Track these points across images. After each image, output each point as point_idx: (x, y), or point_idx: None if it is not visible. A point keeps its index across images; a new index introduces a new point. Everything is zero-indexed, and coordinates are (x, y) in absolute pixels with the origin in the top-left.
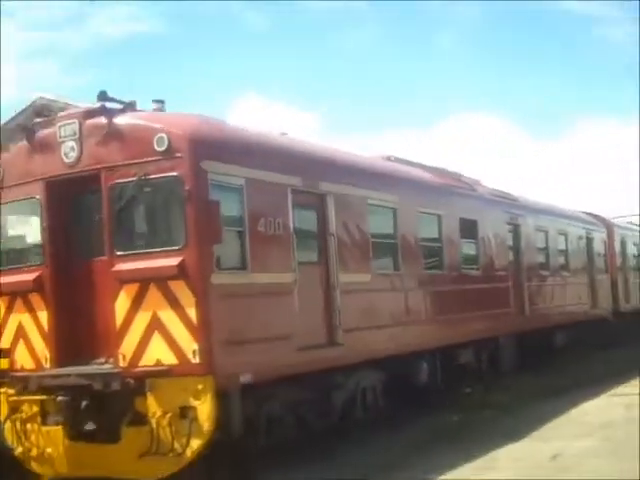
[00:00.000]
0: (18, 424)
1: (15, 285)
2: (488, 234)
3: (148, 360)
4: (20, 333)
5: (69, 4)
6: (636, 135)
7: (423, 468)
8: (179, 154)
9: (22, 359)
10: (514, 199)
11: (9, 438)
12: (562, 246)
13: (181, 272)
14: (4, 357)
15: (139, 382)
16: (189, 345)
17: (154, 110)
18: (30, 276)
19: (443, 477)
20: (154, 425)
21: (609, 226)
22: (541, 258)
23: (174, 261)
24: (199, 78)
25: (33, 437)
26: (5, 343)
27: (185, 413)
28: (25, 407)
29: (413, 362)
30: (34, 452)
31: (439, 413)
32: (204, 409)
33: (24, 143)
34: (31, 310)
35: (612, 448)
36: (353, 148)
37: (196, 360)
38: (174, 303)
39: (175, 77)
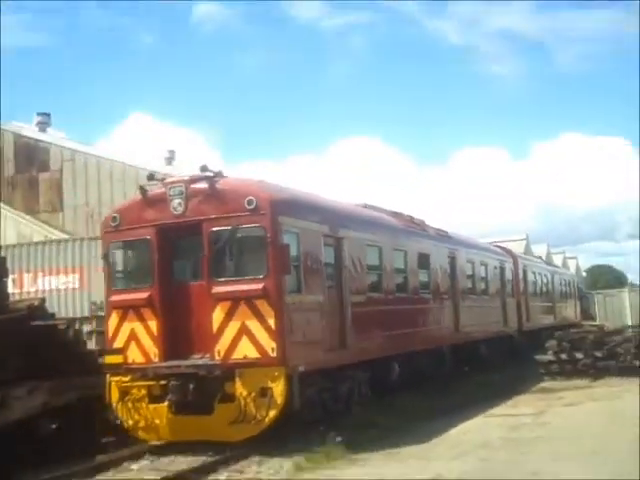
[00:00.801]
0: (129, 403)
1: (129, 301)
2: (436, 265)
3: (238, 355)
4: (132, 336)
5: None
6: (518, 167)
7: None
8: (263, 211)
9: (134, 355)
10: (450, 236)
11: (121, 414)
12: (483, 274)
13: (264, 293)
14: (118, 354)
15: (230, 371)
16: (269, 344)
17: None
18: (143, 295)
19: None
20: (241, 401)
21: (514, 257)
22: (469, 284)
23: (259, 285)
24: (89, 94)
25: (141, 412)
26: (119, 344)
27: (264, 392)
28: (134, 391)
29: (389, 363)
30: (142, 424)
31: (326, 432)
32: (279, 389)
33: (138, 197)
34: (142, 320)
35: (490, 469)
36: (249, 172)
37: (274, 355)
38: (258, 315)
39: (64, 90)
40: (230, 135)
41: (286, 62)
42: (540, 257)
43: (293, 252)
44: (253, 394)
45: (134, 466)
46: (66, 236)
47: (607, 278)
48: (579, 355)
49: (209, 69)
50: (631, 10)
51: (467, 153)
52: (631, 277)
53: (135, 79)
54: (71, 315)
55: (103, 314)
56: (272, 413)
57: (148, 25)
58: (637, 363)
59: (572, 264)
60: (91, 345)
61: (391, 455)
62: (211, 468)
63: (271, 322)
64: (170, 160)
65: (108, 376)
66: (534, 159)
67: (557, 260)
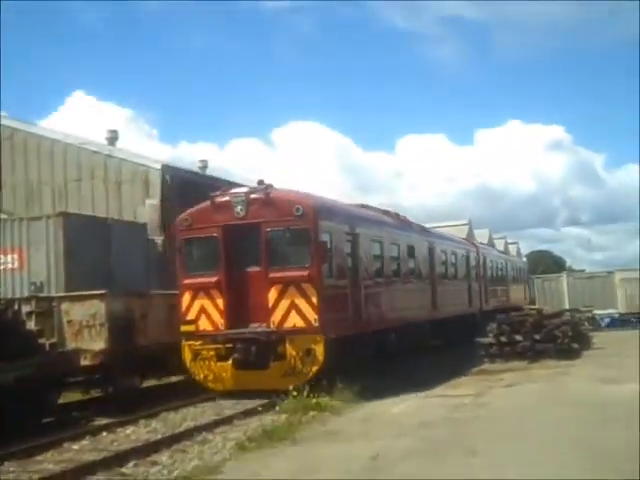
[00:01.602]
0: (200, 362)
1: (200, 284)
2: (419, 255)
3: (288, 325)
4: (202, 311)
5: None
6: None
7: (247, 469)
8: (307, 216)
9: (204, 325)
10: (429, 231)
11: (194, 370)
12: (454, 262)
13: (309, 278)
14: (191, 324)
15: (282, 336)
16: (312, 316)
17: None
18: (212, 279)
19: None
20: (291, 359)
21: (477, 247)
22: (443, 270)
23: (305, 272)
24: (29, 74)
25: (210, 369)
26: (191, 316)
27: (309, 352)
28: (204, 352)
29: (388, 334)
30: (210, 377)
31: (269, 413)
32: (319, 350)
33: (207, 204)
34: (211, 298)
35: (429, 448)
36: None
37: (316, 325)
38: (304, 295)
39: (4, 70)
40: (171, 116)
41: (230, 43)
42: (492, 245)
43: (327, 246)
44: (300, 354)
45: (74, 446)
46: (4, 216)
47: (547, 263)
48: (518, 338)
49: (151, 49)
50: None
51: (411, 139)
52: (569, 262)
53: (77, 58)
54: (10, 296)
55: (43, 295)
56: (314, 368)
57: (91, 4)
58: (574, 346)
59: (513, 249)
60: (30, 326)
61: (333, 435)
62: (154, 448)
63: (314, 300)
64: (113, 140)
65: (183, 341)
66: (477, 145)
67: (499, 245)
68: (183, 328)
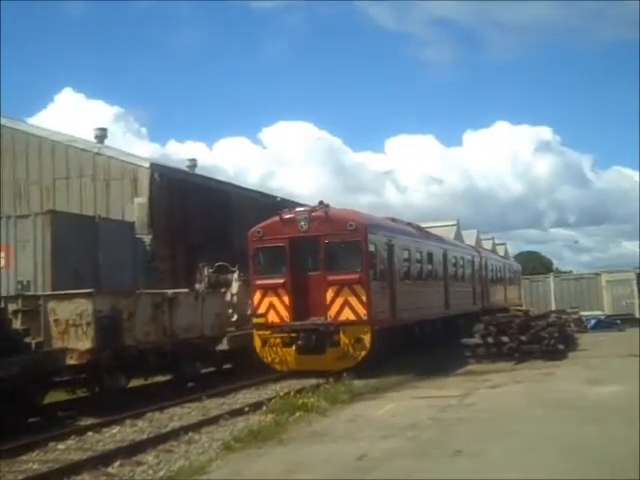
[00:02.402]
0: (267, 348)
1: (269, 284)
2: (436, 260)
3: (342, 318)
4: (271, 306)
5: None
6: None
7: (233, 469)
8: (359, 231)
9: (272, 318)
10: (442, 239)
11: (263, 355)
12: (462, 265)
13: (359, 281)
14: (262, 317)
15: (337, 327)
16: (362, 311)
17: None
18: (280, 280)
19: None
20: (344, 346)
21: (479, 252)
22: (454, 272)
23: (356, 276)
24: (18, 71)
25: (277, 353)
26: (262, 310)
27: (358, 340)
28: (271, 340)
29: (413, 327)
30: (277, 360)
31: (256, 413)
32: (367, 339)
33: (276, 219)
34: (278, 296)
35: (415, 448)
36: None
37: (365, 318)
38: (355, 294)
39: None
40: (160, 114)
41: (219, 42)
42: (495, 251)
43: (373, 255)
44: (351, 341)
45: (60, 446)
46: None
47: (534, 264)
48: (505, 339)
49: (141, 47)
50: (569, 2)
51: (401, 139)
52: (557, 263)
53: (66, 56)
54: None
55: (30, 293)
56: (363, 353)
57: (81, 1)
58: (560, 347)
59: (501, 250)
60: (16, 325)
61: (320, 435)
62: (139, 447)
63: (364, 298)
64: (101, 138)
65: (254, 330)
66: (466, 146)
67: (486, 246)
68: (255, 320)
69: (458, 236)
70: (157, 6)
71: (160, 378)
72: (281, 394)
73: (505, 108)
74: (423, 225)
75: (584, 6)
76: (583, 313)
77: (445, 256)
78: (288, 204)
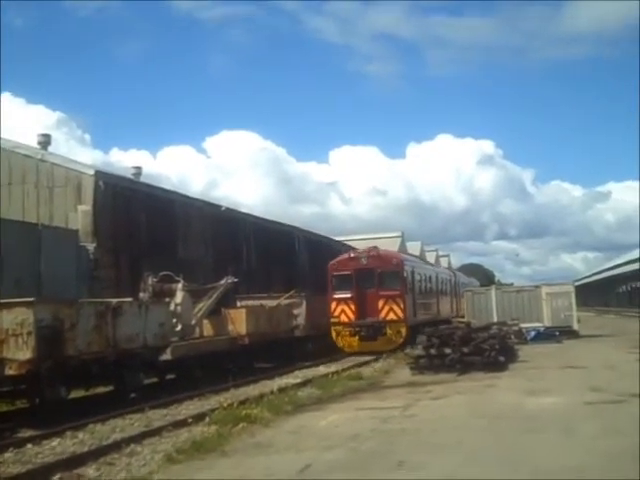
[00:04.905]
0: (340, 337)
1: (342, 298)
2: (432, 280)
3: (388, 318)
4: (342, 311)
5: None
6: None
7: None
8: (398, 265)
9: (343, 318)
10: (435, 265)
11: (337, 342)
12: (445, 283)
13: (399, 295)
14: (337, 318)
15: (385, 324)
16: (400, 314)
17: None
18: (348, 295)
19: None
20: (390, 335)
21: (454, 272)
22: (442, 289)
23: (397, 292)
24: None
25: (346, 340)
26: (337, 314)
27: (399, 332)
28: (342, 331)
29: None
30: (346, 345)
31: (199, 425)
32: (404, 331)
33: (346, 256)
34: (347, 305)
35: (357, 460)
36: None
37: (402, 318)
38: (396, 303)
39: None
40: (103, 121)
41: (164, 51)
42: (424, 257)
43: (406, 279)
44: (394, 332)
45: None
46: None
47: (477, 277)
48: (447, 350)
49: (84, 53)
50: (504, 19)
51: (344, 151)
52: (499, 275)
53: (3, 60)
54: None
55: None
56: (401, 340)
57: (20, 4)
58: (501, 358)
59: (444, 262)
60: None
61: (262, 447)
62: (80, 460)
63: (402, 305)
64: (45, 144)
65: (332, 326)
66: (409, 159)
67: (430, 257)
68: (332, 320)
69: (402, 247)
70: (102, 12)
71: (102, 389)
72: (224, 405)
73: (448, 121)
74: (368, 237)
75: (523, 26)
76: (523, 325)
77: (437, 276)
78: (272, 224)
